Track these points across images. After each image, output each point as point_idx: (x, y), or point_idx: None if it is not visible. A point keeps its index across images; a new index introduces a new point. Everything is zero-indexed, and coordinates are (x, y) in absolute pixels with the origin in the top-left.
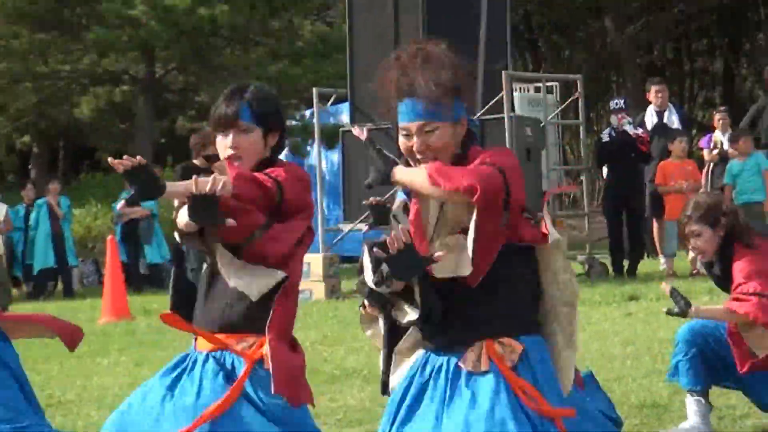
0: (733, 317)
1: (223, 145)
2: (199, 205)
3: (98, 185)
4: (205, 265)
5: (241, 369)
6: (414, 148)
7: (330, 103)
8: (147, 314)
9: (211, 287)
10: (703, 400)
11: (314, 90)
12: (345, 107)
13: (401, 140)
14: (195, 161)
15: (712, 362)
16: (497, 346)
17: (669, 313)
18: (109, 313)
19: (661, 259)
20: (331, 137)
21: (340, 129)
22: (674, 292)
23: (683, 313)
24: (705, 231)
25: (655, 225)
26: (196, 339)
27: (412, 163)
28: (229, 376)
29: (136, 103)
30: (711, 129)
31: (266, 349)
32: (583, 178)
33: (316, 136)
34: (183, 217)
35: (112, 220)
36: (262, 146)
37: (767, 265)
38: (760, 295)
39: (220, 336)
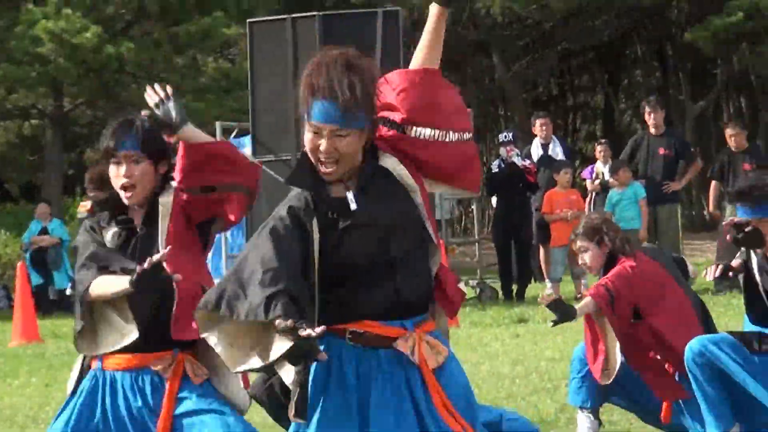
0: (591, 304)
1: (116, 174)
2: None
3: (8, 214)
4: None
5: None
6: (321, 149)
7: (232, 136)
8: (56, 337)
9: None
10: (592, 417)
11: (217, 124)
12: (247, 140)
13: (308, 136)
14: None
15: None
16: (425, 345)
17: (555, 324)
18: (19, 336)
19: (548, 284)
20: None
21: None
22: (551, 304)
23: (568, 317)
24: (591, 247)
25: (542, 251)
26: (103, 359)
27: (312, 159)
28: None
29: (45, 137)
30: (593, 160)
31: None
32: (474, 207)
33: None
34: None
35: (21, 247)
36: (153, 175)
37: (634, 270)
38: (604, 285)
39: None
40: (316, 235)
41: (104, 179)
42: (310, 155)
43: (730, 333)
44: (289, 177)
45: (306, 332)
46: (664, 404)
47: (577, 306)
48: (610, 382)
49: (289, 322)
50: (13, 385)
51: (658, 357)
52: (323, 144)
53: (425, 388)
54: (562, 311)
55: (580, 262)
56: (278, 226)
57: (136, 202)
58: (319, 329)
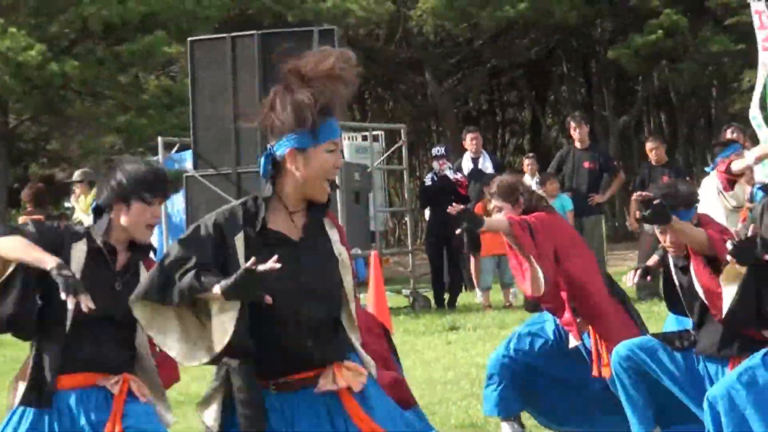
0: (504, 224)
1: (148, 215)
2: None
3: None
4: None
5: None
6: (337, 164)
7: (174, 150)
8: (1, 345)
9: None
10: (516, 424)
11: (159, 139)
12: (188, 154)
13: (327, 157)
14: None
15: (524, 386)
16: (345, 371)
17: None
18: None
19: (478, 292)
20: (175, 182)
21: (184, 174)
22: (461, 213)
23: (476, 225)
24: (506, 207)
25: (473, 261)
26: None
27: (320, 182)
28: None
29: None
30: (521, 173)
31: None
32: (407, 218)
33: None
34: None
35: None
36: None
37: (552, 217)
38: (524, 219)
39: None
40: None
41: (42, 197)
42: (319, 178)
43: (653, 335)
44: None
45: (251, 262)
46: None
47: (489, 219)
48: (541, 293)
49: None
50: None
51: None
52: (337, 160)
53: (346, 417)
54: (471, 220)
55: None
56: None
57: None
58: (270, 263)
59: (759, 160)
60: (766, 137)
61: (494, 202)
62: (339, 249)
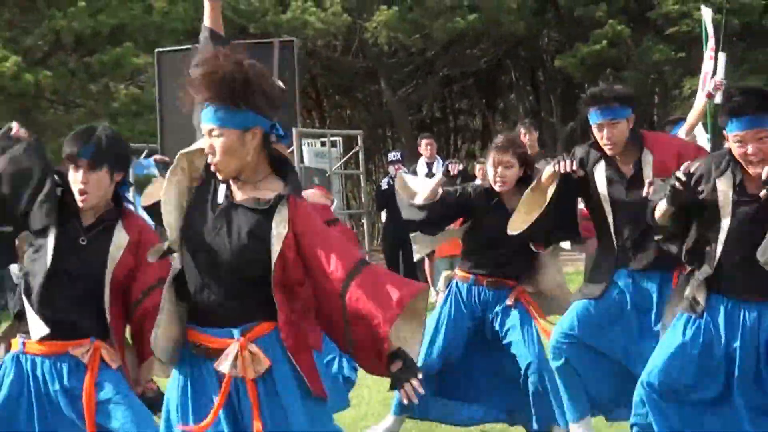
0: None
1: (74, 179)
2: None
3: None
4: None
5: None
6: (206, 150)
7: (143, 156)
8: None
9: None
10: None
11: (129, 145)
12: None
13: (204, 140)
14: None
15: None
16: (246, 354)
17: None
18: None
19: (432, 292)
20: (144, 186)
21: (153, 179)
22: None
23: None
24: (516, 164)
25: (427, 262)
26: (24, 344)
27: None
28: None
29: None
30: (473, 178)
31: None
32: (364, 221)
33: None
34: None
35: None
36: (108, 183)
37: None
38: None
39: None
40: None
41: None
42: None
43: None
44: None
45: None
46: None
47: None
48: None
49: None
50: None
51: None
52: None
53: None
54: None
55: (496, 178)
56: None
57: (89, 207)
58: None
59: (690, 130)
60: (705, 141)
61: (506, 156)
62: None
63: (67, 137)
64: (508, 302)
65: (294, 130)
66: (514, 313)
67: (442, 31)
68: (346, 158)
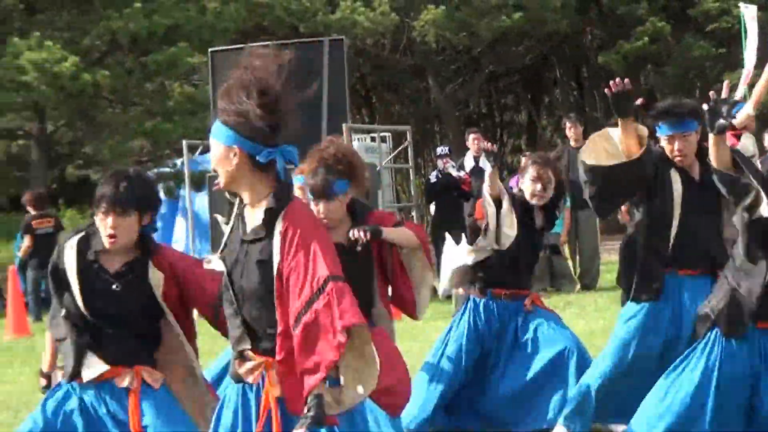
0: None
1: (104, 224)
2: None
3: (1, 224)
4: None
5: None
6: None
7: (198, 153)
8: (44, 332)
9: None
10: None
11: (184, 142)
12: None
13: None
14: None
15: None
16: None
17: None
18: (12, 331)
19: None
20: (199, 182)
21: (207, 175)
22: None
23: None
24: (554, 181)
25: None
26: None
27: None
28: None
29: (31, 155)
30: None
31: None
32: (414, 213)
33: (187, 181)
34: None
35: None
36: (137, 226)
37: None
38: None
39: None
40: None
41: (42, 200)
42: None
43: None
44: None
45: None
46: None
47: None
48: None
49: None
50: (7, 374)
51: None
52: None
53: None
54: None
55: (536, 191)
56: None
57: (116, 249)
58: None
59: (757, 104)
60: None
61: (548, 174)
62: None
63: (102, 178)
64: (526, 305)
65: (344, 126)
66: (537, 314)
67: (488, 29)
68: (395, 153)
